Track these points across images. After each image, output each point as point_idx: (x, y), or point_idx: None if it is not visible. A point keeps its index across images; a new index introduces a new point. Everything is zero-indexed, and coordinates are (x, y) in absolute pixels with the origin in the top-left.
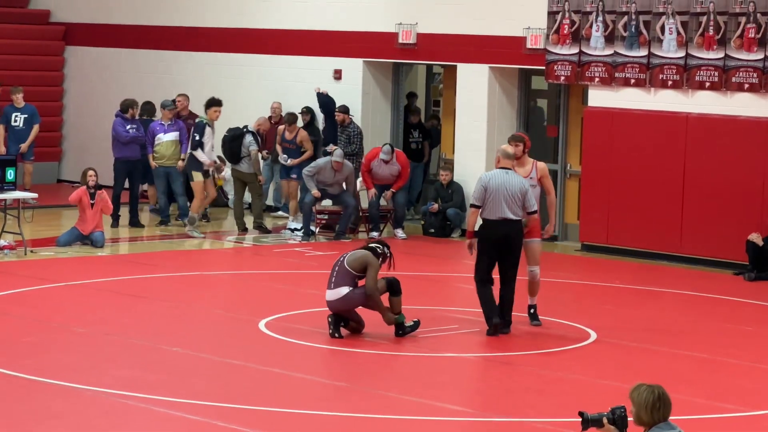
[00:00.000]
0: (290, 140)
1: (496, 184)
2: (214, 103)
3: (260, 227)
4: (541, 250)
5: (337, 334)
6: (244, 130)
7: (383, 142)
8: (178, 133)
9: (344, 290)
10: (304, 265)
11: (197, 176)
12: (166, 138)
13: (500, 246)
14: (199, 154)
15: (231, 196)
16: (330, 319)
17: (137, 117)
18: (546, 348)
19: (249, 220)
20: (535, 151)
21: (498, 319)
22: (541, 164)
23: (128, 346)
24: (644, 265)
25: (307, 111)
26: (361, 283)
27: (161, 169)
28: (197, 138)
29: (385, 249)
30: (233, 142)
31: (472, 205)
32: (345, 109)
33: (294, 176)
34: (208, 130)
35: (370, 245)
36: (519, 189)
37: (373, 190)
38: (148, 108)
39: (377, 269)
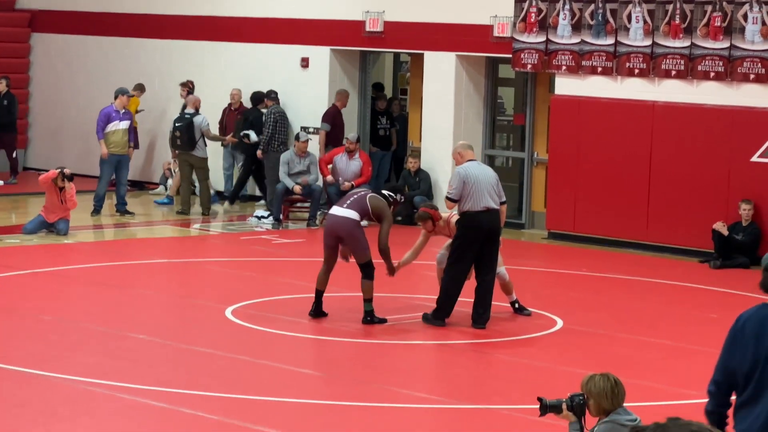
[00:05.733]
0: None
1: (474, 174)
2: None
3: (207, 215)
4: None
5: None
6: (188, 115)
7: (351, 130)
8: (129, 122)
9: (354, 215)
10: (271, 252)
11: None
12: (122, 126)
13: (485, 237)
14: None
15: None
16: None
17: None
18: (513, 335)
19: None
20: (503, 140)
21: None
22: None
23: (94, 334)
24: (611, 253)
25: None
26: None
27: (114, 158)
28: None
29: (397, 197)
30: (189, 129)
31: (449, 199)
32: (267, 94)
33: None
34: None
35: (384, 192)
36: (494, 177)
37: (329, 178)
38: None
39: (390, 224)
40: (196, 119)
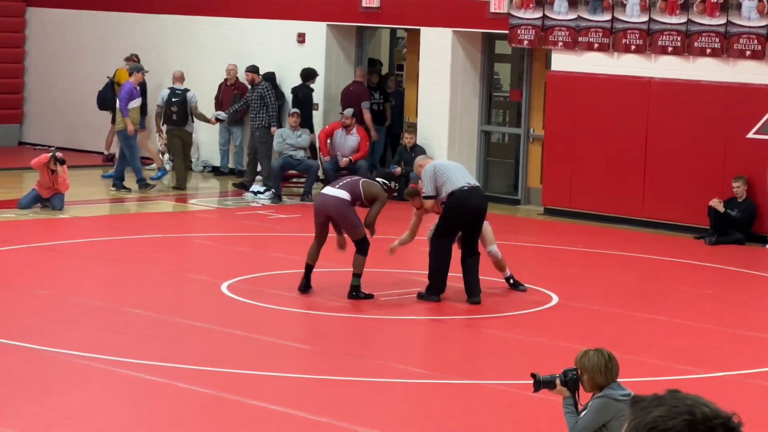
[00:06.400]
0: None
1: (441, 163)
2: None
3: (182, 187)
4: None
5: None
6: (180, 91)
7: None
8: (140, 98)
9: (345, 196)
10: (267, 227)
11: None
12: (139, 103)
13: (471, 216)
14: None
15: (194, 159)
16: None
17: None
18: (508, 311)
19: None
20: (500, 116)
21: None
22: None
23: (90, 308)
24: (606, 229)
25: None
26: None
27: (136, 134)
28: None
29: (391, 184)
30: (185, 104)
31: (426, 197)
32: (254, 69)
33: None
34: None
35: (378, 180)
36: (460, 164)
37: (326, 158)
38: None
39: (383, 205)
40: (188, 95)
